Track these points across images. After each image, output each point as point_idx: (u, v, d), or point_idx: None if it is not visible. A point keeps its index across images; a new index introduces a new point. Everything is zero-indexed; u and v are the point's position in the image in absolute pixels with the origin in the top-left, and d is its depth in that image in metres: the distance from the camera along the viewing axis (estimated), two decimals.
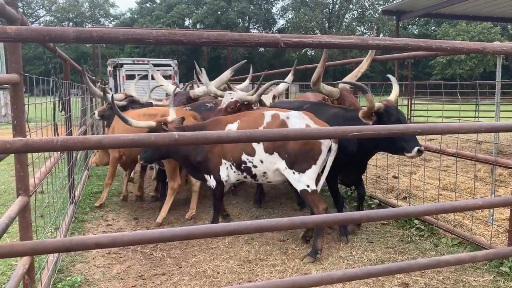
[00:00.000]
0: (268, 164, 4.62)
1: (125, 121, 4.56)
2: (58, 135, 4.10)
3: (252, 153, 4.64)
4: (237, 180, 5.03)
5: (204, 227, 2.03)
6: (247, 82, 7.42)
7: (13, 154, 2.37)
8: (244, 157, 4.69)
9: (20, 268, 2.52)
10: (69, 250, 1.78)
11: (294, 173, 4.44)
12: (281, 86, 6.93)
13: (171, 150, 4.98)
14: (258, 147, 4.60)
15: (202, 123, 5.15)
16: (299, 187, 4.45)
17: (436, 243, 4.72)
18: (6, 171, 8.34)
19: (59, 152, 4.40)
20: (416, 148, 4.11)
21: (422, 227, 5.08)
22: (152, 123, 4.78)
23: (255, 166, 4.67)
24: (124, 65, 16.46)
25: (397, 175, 7.40)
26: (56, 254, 4.04)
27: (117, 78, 16.56)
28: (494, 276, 3.89)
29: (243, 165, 4.72)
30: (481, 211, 5.43)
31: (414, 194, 6.46)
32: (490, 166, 4.80)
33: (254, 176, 4.78)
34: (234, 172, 4.84)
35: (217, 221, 5.06)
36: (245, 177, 4.85)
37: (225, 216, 5.61)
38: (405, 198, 6.33)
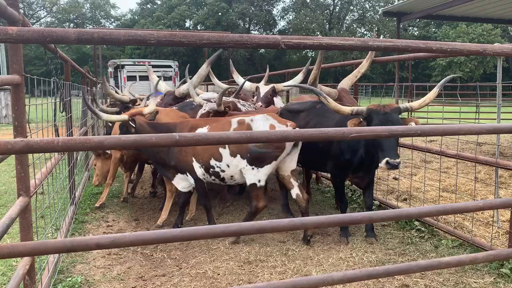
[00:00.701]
0: (233, 168, 4.82)
1: (95, 113, 4.93)
2: (58, 136, 4.11)
3: (219, 158, 4.83)
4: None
5: (205, 228, 2.03)
6: (262, 82, 7.30)
7: (13, 155, 2.37)
8: (213, 162, 4.87)
9: (21, 268, 2.52)
10: (70, 251, 1.78)
11: (253, 168, 4.68)
12: (281, 85, 6.91)
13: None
14: (225, 152, 4.79)
15: (174, 123, 5.28)
16: (250, 180, 4.69)
17: (437, 244, 4.72)
18: (7, 172, 8.35)
19: (59, 153, 4.40)
20: (385, 160, 3.76)
21: (423, 228, 5.08)
22: (125, 117, 4.95)
23: (222, 171, 4.87)
24: (126, 66, 16.50)
25: (397, 176, 7.40)
26: (56, 255, 4.04)
27: (118, 79, 16.58)
28: (494, 278, 3.89)
29: (211, 169, 4.91)
30: (482, 213, 5.43)
31: (414, 195, 6.46)
32: (491, 167, 4.80)
33: (222, 179, 4.98)
34: (204, 174, 5.00)
35: (213, 220, 5.18)
36: (213, 180, 5.03)
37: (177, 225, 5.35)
38: (405, 199, 6.33)
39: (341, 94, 5.31)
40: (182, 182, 5.14)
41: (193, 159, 4.95)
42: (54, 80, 4.18)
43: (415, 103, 4.06)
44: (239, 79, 7.30)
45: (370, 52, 5.44)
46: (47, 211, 4.41)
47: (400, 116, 4.03)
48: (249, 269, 4.19)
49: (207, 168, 4.92)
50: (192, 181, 5.03)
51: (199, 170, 4.96)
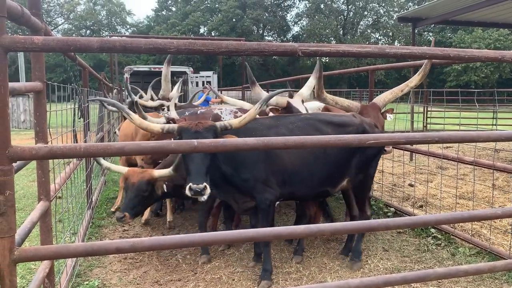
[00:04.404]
0: None
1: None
2: (76, 142, 4.18)
3: None
4: None
5: (222, 234, 2.05)
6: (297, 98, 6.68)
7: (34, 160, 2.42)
8: None
9: (41, 271, 2.57)
10: (91, 255, 1.81)
11: None
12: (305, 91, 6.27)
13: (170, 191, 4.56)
14: None
15: None
16: None
17: (453, 252, 4.66)
18: (25, 176, 8.49)
19: (78, 158, 4.48)
20: (189, 185, 3.47)
21: (439, 236, 5.02)
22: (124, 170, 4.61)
23: None
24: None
25: (413, 183, 7.33)
26: (74, 259, 4.10)
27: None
28: None
29: None
30: (500, 221, 5.35)
31: (430, 202, 6.39)
32: (510, 174, 4.72)
33: None
34: None
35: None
36: None
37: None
38: (421, 206, 6.27)
39: (366, 111, 4.76)
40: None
41: None
42: (73, 86, 4.26)
43: (235, 121, 3.57)
44: (262, 93, 6.31)
45: (424, 64, 4.72)
46: (65, 215, 4.48)
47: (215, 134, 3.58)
48: None
49: None
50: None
51: None
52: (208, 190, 3.50)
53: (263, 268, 4.08)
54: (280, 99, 5.37)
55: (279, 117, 4.32)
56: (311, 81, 5.59)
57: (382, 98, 4.89)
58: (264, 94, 5.64)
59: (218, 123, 3.57)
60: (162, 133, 3.55)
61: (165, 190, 4.35)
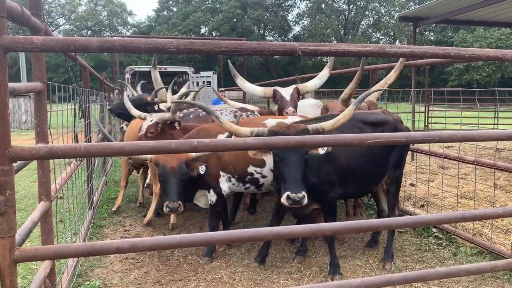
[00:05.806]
0: None
1: None
2: (78, 142, 4.19)
3: (261, 164, 4.55)
4: (231, 192, 4.86)
5: (223, 234, 2.05)
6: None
7: (34, 160, 2.42)
8: (251, 169, 4.59)
9: (42, 271, 2.56)
10: (91, 255, 1.81)
11: None
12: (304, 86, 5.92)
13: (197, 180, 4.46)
14: (268, 158, 4.25)
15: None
16: None
17: (455, 252, 4.65)
18: (26, 177, 8.50)
19: (79, 158, 4.47)
20: (286, 193, 3.32)
21: (440, 235, 5.01)
22: None
23: (264, 177, 4.62)
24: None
25: (414, 182, 7.32)
26: (75, 259, 4.10)
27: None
28: None
29: (249, 176, 4.62)
30: (501, 220, 5.34)
31: (432, 202, 6.38)
32: (510, 174, 4.71)
33: (260, 186, 4.72)
34: (233, 184, 4.66)
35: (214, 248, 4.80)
36: (246, 188, 4.75)
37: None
38: (422, 206, 6.26)
39: (370, 108, 5.01)
40: (204, 199, 4.73)
41: (220, 172, 4.59)
42: (73, 87, 4.27)
43: (328, 124, 3.31)
44: (245, 84, 5.86)
45: (399, 62, 5.06)
46: (66, 216, 4.49)
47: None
48: (265, 275, 4.20)
49: (243, 176, 4.61)
50: (214, 198, 4.60)
51: (225, 184, 4.62)
52: (306, 199, 3.34)
53: (331, 263, 4.15)
54: (268, 89, 5.56)
55: None
56: (326, 73, 5.66)
57: (372, 96, 5.18)
58: (248, 84, 5.74)
59: (310, 126, 3.38)
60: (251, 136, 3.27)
61: (201, 172, 4.22)
